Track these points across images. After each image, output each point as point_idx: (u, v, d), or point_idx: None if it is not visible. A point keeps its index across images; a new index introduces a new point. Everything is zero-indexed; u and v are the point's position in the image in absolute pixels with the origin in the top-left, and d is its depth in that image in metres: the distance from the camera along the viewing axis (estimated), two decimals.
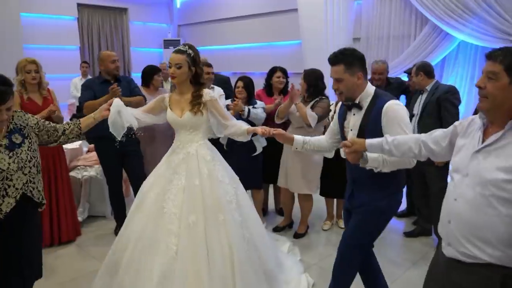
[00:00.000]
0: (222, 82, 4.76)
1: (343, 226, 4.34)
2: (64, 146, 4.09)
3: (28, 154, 2.25)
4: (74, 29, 9.87)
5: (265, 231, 3.15)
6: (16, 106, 3.74)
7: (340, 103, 2.65)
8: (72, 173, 4.49)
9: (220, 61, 10.07)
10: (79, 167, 4.61)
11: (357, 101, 2.42)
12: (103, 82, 3.99)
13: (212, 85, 4.41)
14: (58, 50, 9.73)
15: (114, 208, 4.29)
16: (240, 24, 9.61)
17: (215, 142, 4.23)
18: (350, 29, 7.18)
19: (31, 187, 2.26)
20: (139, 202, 2.75)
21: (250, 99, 4.18)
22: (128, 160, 4.08)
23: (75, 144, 4.71)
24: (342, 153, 2.34)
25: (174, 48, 10.03)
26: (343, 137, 2.53)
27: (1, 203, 2.14)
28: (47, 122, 2.43)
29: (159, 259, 2.48)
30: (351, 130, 2.45)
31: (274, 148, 4.13)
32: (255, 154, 4.10)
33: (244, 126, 2.83)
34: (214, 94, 2.88)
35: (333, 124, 2.67)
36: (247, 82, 4.18)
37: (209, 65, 4.33)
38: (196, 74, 2.80)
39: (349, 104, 2.46)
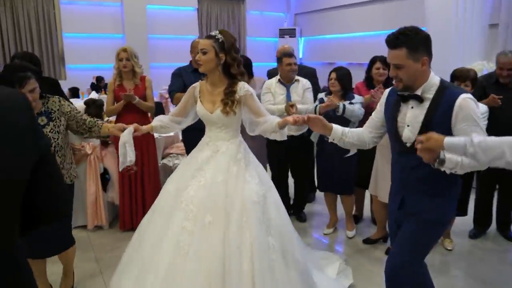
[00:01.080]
0: (309, 75, 4.32)
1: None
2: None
3: (48, 135, 2.49)
4: (194, 20, 10.23)
5: (301, 246, 2.73)
6: (110, 93, 3.87)
7: (387, 90, 2.29)
8: (164, 161, 4.53)
9: (339, 51, 9.56)
10: (171, 155, 4.63)
11: (418, 92, 2.06)
12: (194, 71, 3.88)
13: (297, 77, 4.03)
14: (179, 40, 10.19)
15: None
16: (360, 11, 8.95)
17: (306, 140, 4.02)
18: (486, 14, 6.11)
19: None
20: (159, 196, 2.58)
21: (346, 93, 3.71)
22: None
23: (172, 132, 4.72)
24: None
25: (289, 37, 9.63)
26: (396, 134, 2.17)
27: None
28: (81, 114, 2.66)
29: (167, 257, 2.28)
30: (408, 126, 2.11)
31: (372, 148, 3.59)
32: (348, 155, 3.63)
33: (275, 120, 2.46)
34: (249, 87, 2.53)
35: (376, 116, 2.31)
36: (342, 74, 3.70)
37: (290, 55, 3.94)
38: (226, 63, 2.47)
39: (405, 95, 2.10)
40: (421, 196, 2.13)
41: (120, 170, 2.47)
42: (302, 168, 4.33)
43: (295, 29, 10.48)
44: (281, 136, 2.47)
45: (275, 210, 2.49)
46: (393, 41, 2.01)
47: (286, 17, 11.09)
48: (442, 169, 1.89)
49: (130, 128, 2.48)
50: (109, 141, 4.00)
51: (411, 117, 2.09)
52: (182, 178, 2.50)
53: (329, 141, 2.32)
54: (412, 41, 1.98)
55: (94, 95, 7.34)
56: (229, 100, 2.47)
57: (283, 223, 2.52)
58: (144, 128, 2.62)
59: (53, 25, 9.09)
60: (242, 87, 2.50)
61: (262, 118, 2.50)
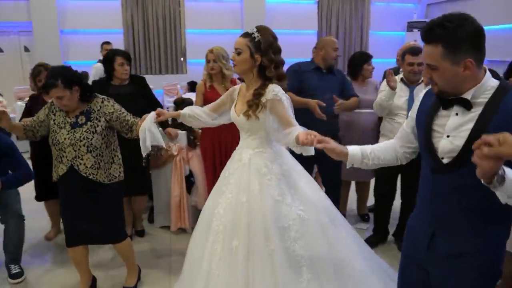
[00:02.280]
0: None
1: None
2: None
3: (83, 134, 2.55)
4: (313, 14, 9.83)
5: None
6: (198, 94, 3.70)
7: (423, 91, 1.73)
8: None
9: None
10: None
11: (467, 96, 1.49)
12: (315, 69, 3.47)
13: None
14: (297, 35, 9.88)
15: None
16: (502, 1, 7.61)
17: None
18: None
19: (79, 162, 2.56)
20: (203, 208, 2.41)
21: None
22: (321, 160, 3.42)
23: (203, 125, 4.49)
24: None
25: (418, 30, 8.62)
26: (429, 145, 1.58)
27: (58, 167, 2.61)
28: (125, 114, 2.62)
29: (202, 278, 2.15)
30: (448, 136, 1.53)
31: None
32: None
33: (295, 132, 2.04)
34: (278, 91, 2.18)
35: (408, 126, 1.76)
36: None
37: (415, 53, 3.27)
38: (261, 64, 2.18)
39: (447, 99, 1.53)
40: (465, 230, 1.54)
41: (143, 156, 2.34)
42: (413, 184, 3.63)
43: (425, 21, 9.37)
44: (304, 151, 2.04)
45: (318, 238, 2.14)
46: (427, 32, 1.47)
47: (416, 8, 10.02)
48: (497, 191, 1.30)
49: (152, 113, 2.33)
50: (198, 142, 3.87)
51: (454, 126, 1.53)
52: (216, 193, 2.33)
53: (347, 167, 1.84)
54: (452, 37, 1.41)
55: None
56: (254, 102, 2.19)
57: (330, 256, 2.13)
58: (169, 113, 2.49)
59: (178, 22, 9.52)
60: (271, 90, 2.18)
61: (288, 129, 2.11)
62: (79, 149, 2.55)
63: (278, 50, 2.22)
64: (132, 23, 9.35)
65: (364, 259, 2.32)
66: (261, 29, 2.21)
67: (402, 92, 3.30)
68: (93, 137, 2.57)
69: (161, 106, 3.83)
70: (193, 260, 2.29)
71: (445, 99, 1.54)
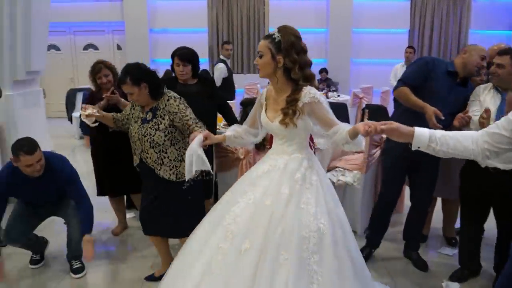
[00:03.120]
0: None
1: None
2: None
3: (147, 130, 2.67)
4: (406, 11, 9.15)
5: None
6: None
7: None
8: (328, 174, 3.95)
9: None
10: (337, 169, 4.01)
11: None
12: (449, 73, 2.91)
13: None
14: (386, 34, 9.28)
15: (374, 228, 3.34)
16: None
17: None
18: None
19: (145, 156, 2.72)
20: (214, 205, 2.31)
21: None
22: (420, 168, 3.05)
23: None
24: None
25: None
26: None
27: (134, 158, 2.82)
28: (188, 117, 2.66)
29: (197, 273, 2.06)
30: None
31: None
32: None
33: (346, 127, 2.01)
34: (316, 93, 2.08)
35: (505, 130, 1.68)
36: None
37: (502, 54, 2.71)
38: (285, 66, 2.05)
39: None
40: None
41: (186, 179, 2.23)
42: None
43: None
44: (356, 147, 2.06)
45: (332, 256, 2.00)
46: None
47: None
48: None
49: (200, 137, 2.21)
50: (267, 146, 3.64)
51: None
52: (235, 191, 2.23)
53: (413, 149, 1.78)
54: None
55: None
56: (290, 109, 2.07)
57: (344, 278, 2.00)
58: (216, 137, 2.35)
59: (262, 22, 9.42)
60: (307, 93, 2.07)
61: (331, 129, 2.07)
62: (143, 144, 2.69)
63: (302, 50, 2.08)
64: (216, 23, 9.45)
65: None
66: (282, 29, 2.08)
67: (492, 99, 2.78)
68: (155, 133, 2.65)
69: (228, 107, 3.68)
70: (189, 252, 2.19)
71: None
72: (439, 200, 3.62)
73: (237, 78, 9.56)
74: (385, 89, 8.02)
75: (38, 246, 3.25)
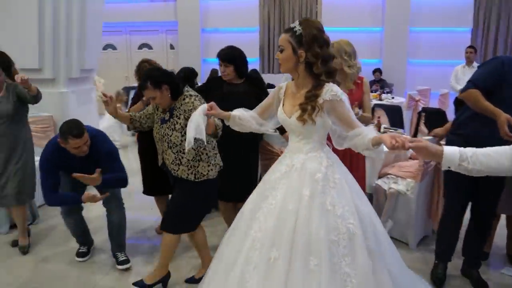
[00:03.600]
0: None
1: None
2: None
3: (165, 131, 2.67)
4: (469, 8, 8.62)
5: None
6: None
7: None
8: (379, 181, 3.73)
9: None
10: (389, 176, 3.78)
11: None
12: None
13: None
14: (447, 32, 8.79)
15: (444, 242, 3.04)
16: None
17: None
18: None
19: (166, 158, 2.72)
20: (238, 213, 2.22)
21: None
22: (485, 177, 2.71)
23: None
24: None
25: None
26: None
27: (159, 158, 2.81)
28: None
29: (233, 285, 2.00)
30: None
31: None
32: None
33: (370, 134, 1.92)
34: (338, 90, 1.99)
35: None
36: None
37: None
38: (307, 60, 1.96)
39: None
40: None
41: (186, 149, 2.18)
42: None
43: None
44: (376, 154, 1.96)
45: (364, 256, 1.91)
46: None
47: None
48: None
49: (204, 106, 2.15)
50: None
51: None
52: (257, 197, 2.14)
53: (443, 169, 1.73)
54: None
55: None
56: (309, 105, 1.97)
57: (379, 276, 1.93)
58: (221, 111, 2.22)
59: (314, 17, 9.22)
60: (329, 89, 1.98)
61: (352, 131, 1.98)
62: (163, 144, 2.70)
63: (325, 43, 1.98)
64: (268, 21, 9.36)
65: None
66: (303, 21, 1.99)
67: None
68: (172, 133, 2.63)
69: None
70: (225, 263, 2.12)
71: None
72: (503, 216, 3.31)
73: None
74: (444, 91, 7.57)
75: (86, 233, 3.31)
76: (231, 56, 3.22)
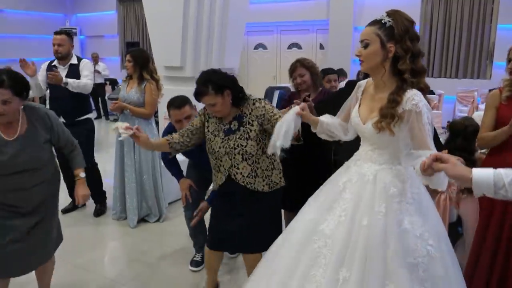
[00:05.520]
0: None
1: None
2: None
3: (236, 142, 2.36)
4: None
5: None
6: (489, 109, 2.54)
7: None
8: None
9: None
10: None
11: None
12: None
13: None
14: None
15: None
16: None
17: None
18: None
19: (235, 171, 2.39)
20: (295, 219, 2.03)
21: None
22: None
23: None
24: None
25: None
26: None
27: (217, 176, 2.48)
28: (277, 117, 2.28)
29: None
30: None
31: None
32: None
33: (421, 159, 1.55)
34: (420, 100, 1.72)
35: None
36: None
37: None
38: (396, 57, 1.75)
39: None
40: None
41: (269, 152, 1.99)
42: None
43: None
44: (431, 183, 1.60)
45: (443, 282, 1.71)
46: None
47: None
48: None
49: (296, 108, 1.94)
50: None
51: None
52: (321, 206, 1.94)
53: (475, 195, 1.45)
54: None
55: None
56: (389, 111, 1.77)
57: None
58: (311, 115, 2.03)
59: (488, 16, 7.86)
60: (411, 98, 1.75)
61: (419, 151, 1.72)
62: (234, 157, 2.38)
63: (415, 37, 1.80)
64: (431, 18, 8.30)
65: None
66: (392, 13, 1.82)
67: None
68: (247, 143, 2.36)
69: None
70: (277, 280, 1.89)
71: None
72: None
73: (448, 83, 8.28)
74: None
75: (203, 233, 3.10)
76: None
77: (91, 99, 4.33)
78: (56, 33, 3.94)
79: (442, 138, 3.28)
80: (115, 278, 3.07)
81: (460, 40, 8.11)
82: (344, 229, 1.79)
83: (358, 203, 1.81)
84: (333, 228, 1.82)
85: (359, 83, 2.05)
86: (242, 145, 2.36)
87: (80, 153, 2.53)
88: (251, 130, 2.36)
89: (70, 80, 3.76)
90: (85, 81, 3.86)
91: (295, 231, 1.97)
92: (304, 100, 2.89)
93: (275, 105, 6.20)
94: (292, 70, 3.13)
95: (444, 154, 1.49)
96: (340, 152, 2.91)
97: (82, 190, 2.50)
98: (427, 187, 2.80)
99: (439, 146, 2.80)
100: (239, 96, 2.37)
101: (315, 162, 3.02)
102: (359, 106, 1.93)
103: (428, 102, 1.79)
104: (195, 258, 3.18)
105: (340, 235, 1.79)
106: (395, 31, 1.77)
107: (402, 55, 1.75)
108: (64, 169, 4.16)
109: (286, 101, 3.36)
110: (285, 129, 1.89)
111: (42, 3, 12.31)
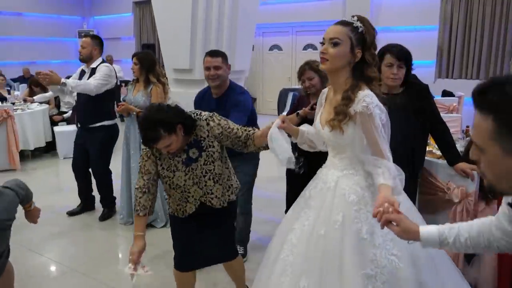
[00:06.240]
0: None
1: None
2: None
3: (203, 169, 2.23)
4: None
5: None
6: None
7: None
8: None
9: None
10: None
11: None
12: None
13: None
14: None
15: None
16: None
17: None
18: None
19: (209, 198, 2.29)
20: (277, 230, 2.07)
21: None
22: None
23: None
24: None
25: None
26: None
27: (185, 206, 2.31)
28: (234, 131, 2.21)
29: None
30: None
31: None
32: None
33: (379, 179, 1.68)
34: (371, 102, 1.71)
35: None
36: None
37: None
38: (363, 62, 1.78)
39: None
40: None
41: (286, 166, 1.92)
42: None
43: None
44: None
45: None
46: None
47: None
48: None
49: (277, 121, 1.93)
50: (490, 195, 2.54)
51: None
52: (291, 216, 1.98)
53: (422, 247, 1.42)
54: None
55: None
56: (342, 109, 1.76)
57: None
58: (292, 126, 2.01)
59: (511, 17, 7.56)
60: (361, 99, 1.73)
61: (373, 159, 1.72)
62: (205, 185, 2.25)
63: (376, 47, 1.85)
64: (450, 18, 8.04)
65: None
66: (362, 18, 1.81)
67: None
68: (214, 166, 2.24)
69: (443, 127, 2.68)
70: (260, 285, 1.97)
71: None
72: None
73: (470, 85, 7.97)
74: None
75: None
76: (407, 54, 2.53)
77: (113, 106, 4.19)
78: (83, 35, 3.99)
79: (460, 145, 3.10)
80: (116, 285, 3.00)
81: (481, 40, 7.82)
82: (305, 239, 1.81)
83: (319, 211, 1.82)
84: (299, 237, 1.84)
85: (323, 91, 2.03)
86: (210, 170, 2.23)
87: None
88: (214, 152, 2.22)
89: (69, 81, 3.68)
90: (87, 81, 3.76)
91: (273, 241, 2.02)
92: (312, 108, 2.77)
93: (288, 107, 6.08)
94: (301, 73, 3.01)
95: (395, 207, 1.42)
96: None
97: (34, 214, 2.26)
98: (442, 196, 2.66)
99: (456, 155, 2.64)
100: (189, 124, 2.15)
101: None
102: (321, 114, 1.93)
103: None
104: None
105: (302, 244, 1.81)
106: (366, 37, 1.77)
107: (370, 62, 1.78)
108: (76, 169, 4.17)
109: (294, 105, 3.25)
110: (279, 143, 1.87)
111: (60, 6, 12.45)
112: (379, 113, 1.74)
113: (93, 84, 3.75)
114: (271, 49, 10.66)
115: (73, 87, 3.68)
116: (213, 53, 2.97)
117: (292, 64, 10.27)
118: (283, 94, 8.21)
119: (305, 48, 10.10)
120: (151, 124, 2.02)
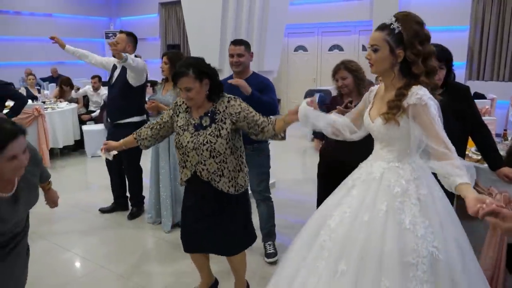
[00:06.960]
0: None
1: None
2: None
3: (206, 138, 2.32)
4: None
5: None
6: None
7: None
8: None
9: None
10: None
11: None
12: None
13: None
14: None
15: None
16: None
17: None
18: None
19: (201, 168, 2.36)
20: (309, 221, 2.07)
21: None
22: None
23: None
24: None
25: None
26: None
27: (181, 172, 2.47)
28: (253, 114, 2.35)
29: None
30: None
31: None
32: None
33: (459, 179, 1.61)
34: (424, 94, 1.73)
35: None
36: None
37: None
38: (406, 60, 1.79)
39: None
40: None
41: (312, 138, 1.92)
42: None
43: None
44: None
45: (455, 284, 1.66)
46: None
47: None
48: None
49: (307, 100, 2.07)
50: None
51: None
52: (331, 202, 2.01)
53: None
54: None
55: None
56: (395, 103, 1.80)
57: None
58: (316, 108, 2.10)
59: None
60: (415, 92, 1.76)
61: (440, 151, 1.69)
62: (202, 153, 2.34)
63: (426, 38, 1.80)
64: (482, 19, 7.84)
65: None
66: (401, 17, 1.81)
67: None
68: (217, 141, 2.32)
69: (485, 130, 2.60)
70: (285, 274, 1.98)
71: None
72: None
73: (502, 88, 7.77)
74: None
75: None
76: (448, 54, 2.53)
77: (143, 102, 4.17)
78: (114, 34, 4.03)
79: (499, 148, 2.99)
80: (146, 284, 3.00)
81: (503, 45, 7.61)
82: (346, 225, 1.84)
83: (363, 200, 1.86)
84: (338, 222, 1.87)
85: (371, 88, 2.10)
86: (212, 142, 2.32)
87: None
88: (222, 128, 2.32)
89: (128, 55, 3.73)
90: (138, 59, 3.87)
91: (307, 226, 2.04)
92: (346, 107, 2.72)
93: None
94: (335, 72, 2.98)
95: (500, 208, 1.38)
96: None
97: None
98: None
99: (498, 159, 2.55)
100: (216, 90, 2.34)
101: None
102: (370, 109, 1.99)
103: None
104: (268, 251, 3.31)
105: (342, 230, 1.84)
106: (404, 37, 1.78)
107: (414, 59, 1.78)
108: (109, 167, 4.19)
109: (327, 106, 3.21)
110: (315, 114, 2.04)
111: (88, 7, 12.68)
112: (433, 104, 1.75)
113: (142, 64, 3.84)
114: (296, 50, 10.60)
115: (132, 60, 3.73)
116: (236, 42, 3.16)
117: (317, 65, 10.19)
118: (309, 95, 8.13)
119: (330, 49, 9.99)
120: (187, 63, 2.29)
